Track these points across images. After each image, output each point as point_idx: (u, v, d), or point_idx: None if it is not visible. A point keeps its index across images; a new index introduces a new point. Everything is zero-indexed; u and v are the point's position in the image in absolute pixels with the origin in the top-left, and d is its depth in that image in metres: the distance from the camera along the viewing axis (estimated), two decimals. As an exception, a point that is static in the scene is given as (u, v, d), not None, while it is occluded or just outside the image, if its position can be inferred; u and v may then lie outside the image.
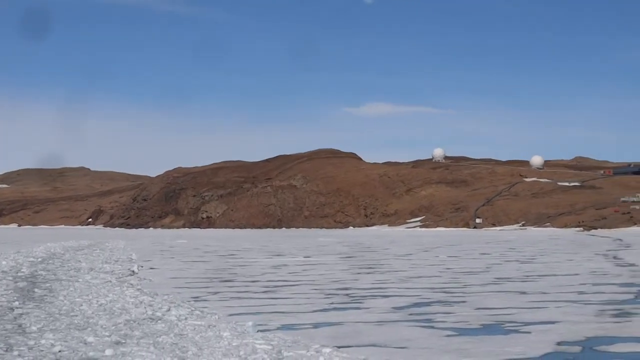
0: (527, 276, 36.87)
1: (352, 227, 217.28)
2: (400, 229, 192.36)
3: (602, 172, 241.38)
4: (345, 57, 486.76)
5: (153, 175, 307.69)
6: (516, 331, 19.25)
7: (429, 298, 27.01)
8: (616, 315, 22.02)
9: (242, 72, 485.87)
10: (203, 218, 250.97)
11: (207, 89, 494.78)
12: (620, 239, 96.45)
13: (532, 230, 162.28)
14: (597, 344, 17.46)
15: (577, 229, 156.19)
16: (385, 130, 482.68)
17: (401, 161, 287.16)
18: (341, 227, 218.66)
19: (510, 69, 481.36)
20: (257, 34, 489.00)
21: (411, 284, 33.04)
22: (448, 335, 18.66)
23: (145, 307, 21.55)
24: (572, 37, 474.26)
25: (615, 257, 53.91)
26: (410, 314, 22.56)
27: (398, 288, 30.94)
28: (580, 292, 28.58)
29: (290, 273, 40.19)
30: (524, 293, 28.57)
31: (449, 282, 33.49)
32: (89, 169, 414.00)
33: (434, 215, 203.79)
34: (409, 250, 70.08)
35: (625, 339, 18.01)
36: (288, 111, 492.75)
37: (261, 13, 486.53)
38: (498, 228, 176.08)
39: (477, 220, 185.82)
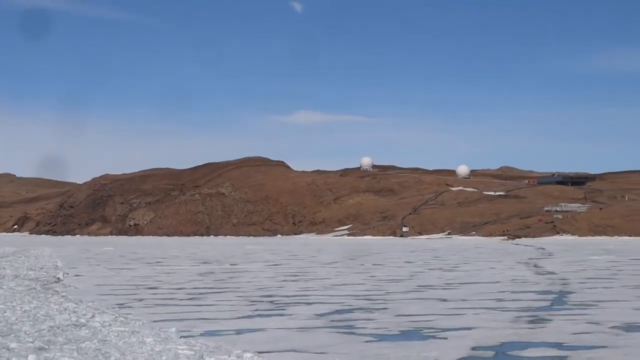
0: (449, 284, 37.53)
1: (280, 235, 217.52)
2: (327, 237, 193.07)
3: (526, 181, 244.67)
4: (275, 65, 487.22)
5: (80, 182, 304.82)
6: (433, 337, 19.76)
7: (351, 305, 27.45)
8: (531, 322, 22.65)
9: (169, 78, 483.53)
10: (131, 225, 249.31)
11: (135, 95, 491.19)
12: (542, 248, 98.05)
13: (458, 239, 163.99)
14: (510, 348, 18.02)
15: (502, 237, 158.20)
16: (314, 138, 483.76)
17: (330, 170, 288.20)
18: (269, 235, 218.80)
19: (438, 78, 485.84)
20: (184, 39, 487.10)
21: (335, 291, 33.47)
22: (367, 341, 19.09)
23: (69, 314, 21.67)
24: (499, 47, 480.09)
25: (536, 266, 54.93)
26: (332, 321, 22.97)
27: (322, 295, 31.36)
28: (499, 300, 29.25)
29: (216, 280, 40.41)
30: (444, 300, 29.16)
31: (372, 290, 33.98)
32: (14, 175, 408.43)
33: (361, 224, 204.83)
34: (335, 258, 70.59)
35: (538, 344, 18.59)
36: (217, 119, 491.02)
37: (182, 14, 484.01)
38: (424, 236, 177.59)
39: (404, 229, 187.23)
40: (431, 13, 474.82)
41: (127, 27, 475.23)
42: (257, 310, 26.03)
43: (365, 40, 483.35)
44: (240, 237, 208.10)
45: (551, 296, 30.87)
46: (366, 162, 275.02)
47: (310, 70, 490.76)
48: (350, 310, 25.77)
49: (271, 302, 28.82)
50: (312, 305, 27.57)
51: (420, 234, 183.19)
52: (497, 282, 38.88)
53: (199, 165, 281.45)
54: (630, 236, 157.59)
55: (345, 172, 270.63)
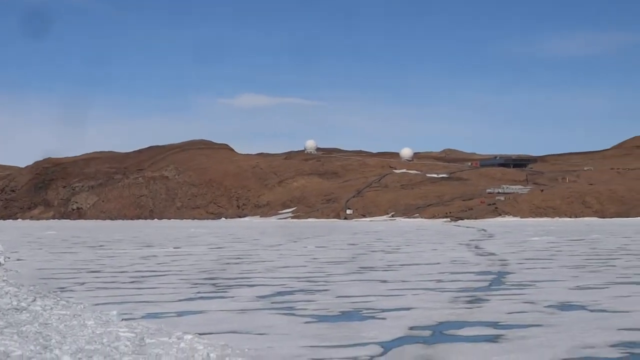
0: (390, 265, 37.92)
1: (224, 218, 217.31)
2: (272, 220, 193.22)
3: (469, 164, 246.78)
4: (220, 48, 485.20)
5: (22, 165, 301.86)
6: (372, 317, 20.05)
7: (292, 287, 27.70)
8: (469, 302, 23.04)
9: (115, 61, 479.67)
10: (73, 209, 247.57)
11: (76, 77, 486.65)
12: (484, 230, 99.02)
13: (401, 221, 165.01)
14: (447, 328, 18.36)
15: (445, 219, 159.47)
16: (258, 121, 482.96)
17: (274, 153, 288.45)
18: (213, 218, 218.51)
19: (381, 61, 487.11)
20: (133, 23, 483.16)
21: (277, 273, 33.71)
22: (307, 322, 19.34)
23: (10, 298, 21.64)
24: (444, 31, 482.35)
25: (477, 247, 55.58)
26: (273, 302, 23.20)
27: (264, 277, 31.57)
28: (439, 281, 29.66)
29: (158, 264, 40.44)
30: (384, 282, 29.49)
31: (314, 272, 34.26)
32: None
33: (305, 207, 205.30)
34: (279, 240, 70.81)
35: (474, 323, 18.96)
36: (160, 101, 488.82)
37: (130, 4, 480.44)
38: (368, 219, 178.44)
39: (348, 211, 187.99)
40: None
41: (72, 8, 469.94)
42: (199, 292, 26.18)
43: (309, 23, 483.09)
44: (185, 221, 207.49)
45: (490, 277, 31.35)
46: (310, 145, 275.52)
47: (254, 53, 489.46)
48: (291, 292, 26.02)
49: (213, 284, 28.97)
50: (254, 287, 27.77)
51: (364, 216, 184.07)
52: (438, 263, 39.35)
53: (142, 149, 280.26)
54: (570, 217, 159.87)
55: (289, 155, 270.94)
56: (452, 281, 29.41)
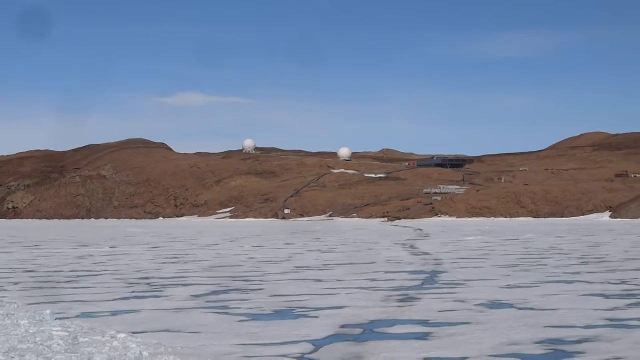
0: (326, 265, 38.25)
1: (162, 218, 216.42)
2: (210, 220, 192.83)
3: (406, 164, 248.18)
4: (158, 47, 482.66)
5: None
6: (305, 316, 20.31)
7: (228, 286, 27.87)
8: (401, 301, 23.40)
9: (51, 59, 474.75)
10: (9, 209, 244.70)
11: (12, 75, 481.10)
12: (421, 229, 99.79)
13: (339, 221, 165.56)
14: (378, 326, 18.68)
15: (382, 219, 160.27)
16: (196, 120, 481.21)
17: (212, 152, 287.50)
18: (151, 218, 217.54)
19: (320, 61, 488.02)
20: (71, 22, 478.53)
21: (213, 273, 33.86)
22: (241, 321, 19.55)
23: (-57, 298, 21.59)
24: (382, 32, 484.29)
25: (412, 247, 56.12)
26: (207, 302, 23.36)
27: (200, 277, 31.70)
28: (373, 280, 30.02)
29: (94, 263, 40.34)
30: (319, 281, 29.80)
31: (250, 271, 34.46)
32: None
33: (243, 206, 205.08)
34: (216, 240, 70.85)
35: (405, 321, 19.31)
36: (98, 99, 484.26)
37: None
38: (306, 219, 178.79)
39: (286, 211, 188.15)
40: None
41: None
42: (134, 292, 26.25)
43: (247, 20, 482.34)
44: (122, 220, 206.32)
45: (423, 276, 31.78)
46: (248, 144, 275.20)
47: (192, 51, 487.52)
48: (226, 291, 26.20)
49: (148, 284, 29.05)
50: (189, 286, 27.89)
51: (302, 216, 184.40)
52: (373, 262, 39.75)
53: (79, 148, 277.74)
54: (505, 217, 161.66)
55: (227, 155, 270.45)
56: (385, 280, 29.78)
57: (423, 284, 28.73)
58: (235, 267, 37.00)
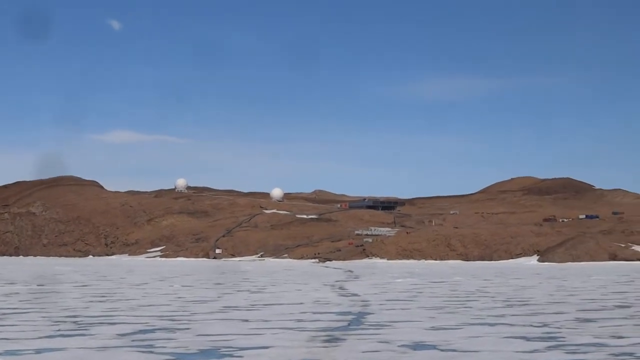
0: (254, 305, 38.36)
1: (92, 256, 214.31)
2: (140, 259, 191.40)
3: (338, 205, 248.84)
4: (90, 83, 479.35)
5: None
6: (230, 355, 20.46)
7: (154, 325, 27.88)
8: (326, 341, 23.63)
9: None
10: None
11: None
12: (351, 270, 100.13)
13: (270, 261, 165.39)
14: (302, 366, 18.90)
15: (313, 260, 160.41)
16: (129, 158, 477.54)
17: (144, 190, 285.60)
18: (81, 256, 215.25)
19: (248, 100, 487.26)
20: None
21: (140, 312, 33.78)
22: (165, 360, 19.65)
23: None
24: (315, 72, 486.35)
25: (341, 288, 56.40)
26: (133, 340, 23.38)
27: (127, 316, 31.63)
28: (299, 320, 30.21)
29: (21, 301, 40.01)
30: (246, 321, 29.92)
31: (178, 311, 34.45)
32: None
33: (174, 245, 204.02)
34: (145, 279, 70.50)
35: (329, 362, 19.55)
36: (28, 135, 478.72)
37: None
38: (237, 258, 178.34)
39: (217, 251, 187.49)
40: (246, 40, 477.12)
41: None
42: (59, 330, 26.15)
43: (180, 60, 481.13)
44: (51, 258, 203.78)
45: (350, 317, 32.06)
46: (181, 183, 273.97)
47: (126, 88, 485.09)
48: (152, 330, 26.22)
49: (75, 322, 28.93)
50: (115, 325, 27.85)
51: (234, 255, 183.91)
52: (301, 303, 39.93)
53: (8, 184, 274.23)
54: (435, 260, 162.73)
55: (159, 193, 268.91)
56: (312, 321, 29.99)
57: (349, 324, 28.99)
58: (163, 306, 36.95)
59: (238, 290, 52.36)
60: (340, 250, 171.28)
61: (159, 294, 47.54)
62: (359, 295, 46.98)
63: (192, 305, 38.26)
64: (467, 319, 31.24)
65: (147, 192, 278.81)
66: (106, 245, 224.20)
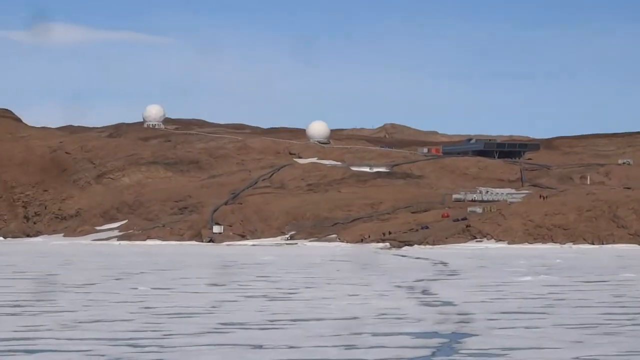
0: (272, 321, 38.64)
1: (1, 238, 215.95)
2: (83, 242, 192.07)
3: (425, 150, 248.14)
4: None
5: None
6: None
7: (102, 355, 28.16)
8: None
9: None
10: None
11: None
12: (444, 263, 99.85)
13: (305, 246, 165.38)
14: None
15: (380, 244, 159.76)
16: (69, 70, 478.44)
17: (91, 126, 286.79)
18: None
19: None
20: None
21: (80, 332, 34.18)
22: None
23: None
24: None
25: (425, 292, 56.61)
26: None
27: (56, 339, 32.00)
28: (349, 346, 30.40)
29: None
30: (259, 347, 30.20)
31: (144, 330, 34.75)
32: None
33: (143, 220, 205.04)
34: (91, 277, 70.99)
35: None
36: None
37: None
38: (249, 242, 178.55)
39: (215, 229, 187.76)
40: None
41: None
42: None
43: None
44: None
45: (436, 342, 32.14)
46: (153, 112, 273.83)
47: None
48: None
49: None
50: (35, 354, 28.17)
51: (243, 236, 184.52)
52: (355, 317, 40.14)
53: None
54: (593, 244, 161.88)
55: (117, 131, 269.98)
56: (371, 347, 30.15)
57: (434, 354, 29.14)
58: (118, 323, 37.27)
59: (248, 297, 52.66)
60: (427, 228, 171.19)
61: (111, 302, 47.94)
62: (455, 305, 47.13)
63: (168, 320, 38.58)
64: (638, 345, 31.27)
65: (96, 128, 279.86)
66: (26, 219, 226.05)
